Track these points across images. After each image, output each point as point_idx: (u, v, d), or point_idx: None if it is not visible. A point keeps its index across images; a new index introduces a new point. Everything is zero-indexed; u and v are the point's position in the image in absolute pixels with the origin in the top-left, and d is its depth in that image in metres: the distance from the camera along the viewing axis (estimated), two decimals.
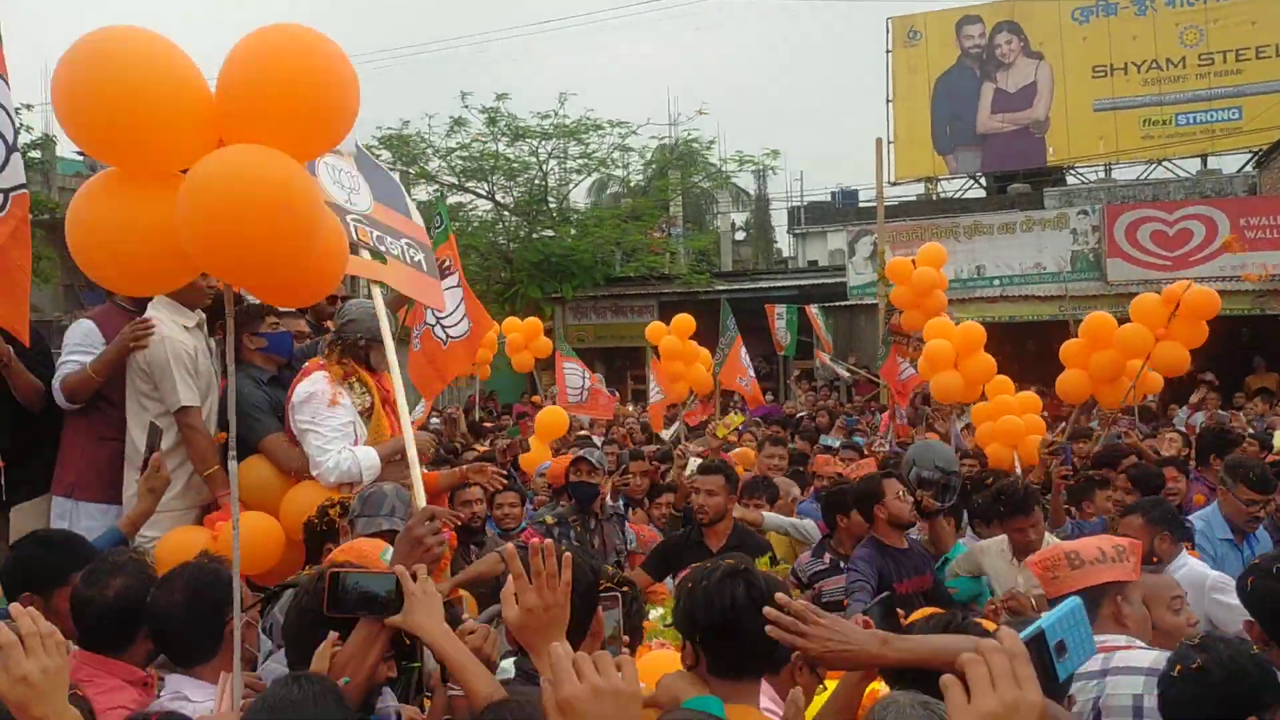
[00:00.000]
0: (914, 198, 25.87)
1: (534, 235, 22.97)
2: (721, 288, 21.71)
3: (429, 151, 22.30)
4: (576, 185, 24.24)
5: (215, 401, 4.40)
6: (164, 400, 4.19)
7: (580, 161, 22.80)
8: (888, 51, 24.91)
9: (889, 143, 25.16)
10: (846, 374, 16.99)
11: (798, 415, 14.39)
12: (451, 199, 23.24)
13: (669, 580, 4.80)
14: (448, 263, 6.57)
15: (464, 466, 4.97)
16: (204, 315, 4.49)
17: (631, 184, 25.84)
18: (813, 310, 17.98)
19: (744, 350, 11.23)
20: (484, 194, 23.10)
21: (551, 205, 23.54)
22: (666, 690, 2.20)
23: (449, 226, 7.72)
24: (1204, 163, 23.37)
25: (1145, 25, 23.31)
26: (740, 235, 30.13)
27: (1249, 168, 22.29)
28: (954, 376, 7.81)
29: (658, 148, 24.59)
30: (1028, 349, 13.84)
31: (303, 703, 1.87)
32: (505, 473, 5.78)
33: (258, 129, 2.34)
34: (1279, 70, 22.35)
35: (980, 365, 7.81)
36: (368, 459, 4.22)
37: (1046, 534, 4.96)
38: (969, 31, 24.37)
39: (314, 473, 4.21)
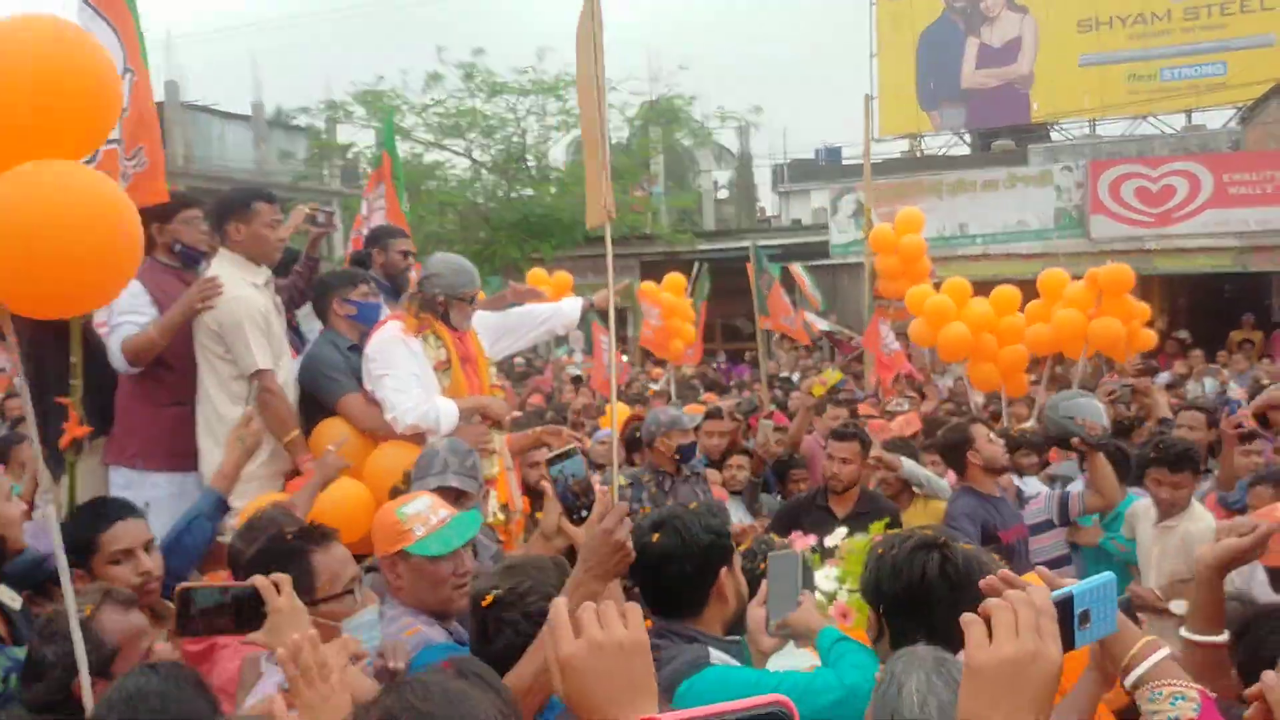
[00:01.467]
0: (898, 154, 25.64)
1: (512, 194, 22.63)
2: (704, 246, 21.49)
3: (404, 108, 21.85)
4: (556, 143, 23.86)
5: (289, 364, 4.28)
6: (238, 363, 4.04)
7: (559, 118, 22.39)
8: (871, 4, 24.53)
9: (873, 98, 24.87)
10: (826, 328, 16.87)
11: (782, 375, 14.38)
12: (428, 157, 22.88)
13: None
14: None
15: (538, 429, 4.87)
16: (271, 273, 4.35)
17: (612, 142, 25.48)
18: (797, 269, 17.80)
19: (783, 291, 11.13)
20: (461, 152, 22.71)
21: (530, 163, 23.18)
22: None
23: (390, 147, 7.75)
24: (1189, 118, 23.22)
25: None
26: (723, 194, 29.85)
27: (1234, 123, 22.15)
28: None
29: (640, 105, 24.23)
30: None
31: (160, 692, 1.82)
32: (579, 436, 5.76)
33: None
34: (1264, 24, 22.16)
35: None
36: (447, 409, 4.07)
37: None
38: None
39: (388, 416, 4.06)
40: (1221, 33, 22.66)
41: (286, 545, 2.47)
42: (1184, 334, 15.90)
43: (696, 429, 5.08)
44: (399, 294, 4.81)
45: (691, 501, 4.77)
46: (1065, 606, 1.35)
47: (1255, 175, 15.89)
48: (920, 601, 2.10)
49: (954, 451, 4.87)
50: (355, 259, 5.35)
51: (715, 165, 28.73)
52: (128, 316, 4.02)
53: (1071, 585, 1.42)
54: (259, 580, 2.08)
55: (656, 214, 23.80)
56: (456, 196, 22.18)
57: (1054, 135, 23.81)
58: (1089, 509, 5.01)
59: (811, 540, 3.84)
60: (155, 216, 4.17)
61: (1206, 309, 16.58)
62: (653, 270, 15.70)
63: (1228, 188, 15.90)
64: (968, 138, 25.16)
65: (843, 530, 3.89)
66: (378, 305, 4.47)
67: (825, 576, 3.49)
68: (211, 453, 3.99)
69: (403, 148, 23.27)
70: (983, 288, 8.50)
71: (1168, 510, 4.43)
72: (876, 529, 3.65)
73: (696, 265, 12.33)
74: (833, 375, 7.28)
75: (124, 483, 4.01)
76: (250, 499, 3.76)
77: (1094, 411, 5.16)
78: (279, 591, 2.07)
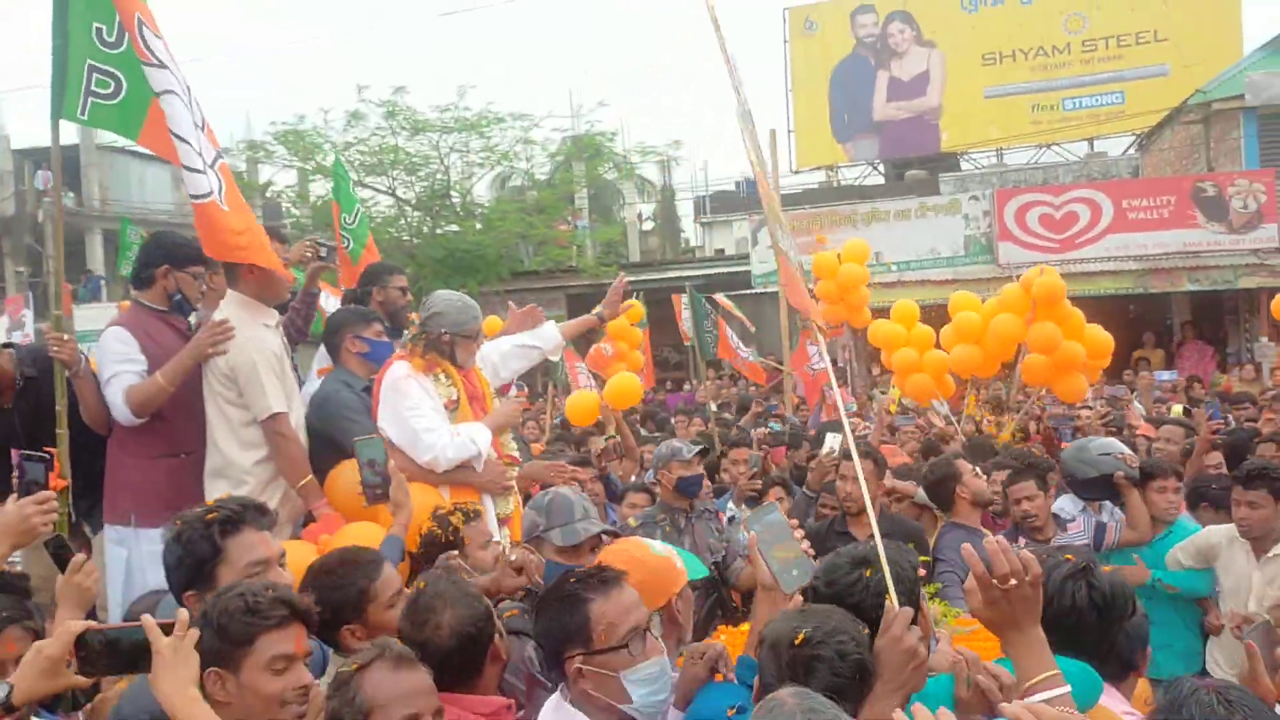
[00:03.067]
0: (816, 185, 26.26)
1: (437, 230, 22.66)
2: (629, 279, 21.71)
3: (326, 146, 21.80)
4: (479, 179, 24.00)
5: (300, 407, 4.11)
6: (251, 407, 3.88)
7: (482, 155, 22.56)
8: (785, 41, 25.18)
9: (789, 131, 25.50)
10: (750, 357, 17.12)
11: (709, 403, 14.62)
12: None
13: None
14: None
15: (544, 464, 4.81)
16: (279, 315, 4.23)
17: (536, 177, 25.69)
18: (723, 298, 18.10)
19: (729, 329, 11.25)
20: (384, 189, 22.69)
21: (454, 200, 23.25)
22: None
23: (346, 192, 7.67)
24: (1091, 146, 24.21)
25: (1031, 13, 24.00)
26: (648, 225, 30.20)
27: (1132, 150, 23.14)
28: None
29: (562, 140, 24.49)
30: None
31: None
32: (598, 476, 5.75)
33: None
34: (1158, 56, 23.26)
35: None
36: (480, 433, 3.97)
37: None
38: (863, 21, 24.78)
39: (425, 458, 3.90)
40: (1119, 64, 23.74)
41: (564, 590, 2.33)
42: None
43: (700, 458, 4.80)
44: (399, 332, 4.68)
45: (710, 543, 4.66)
46: None
47: (1152, 201, 16.64)
48: (1073, 629, 2.20)
49: (941, 487, 4.79)
50: (351, 297, 5.22)
51: (639, 198, 29.10)
52: (124, 366, 3.87)
53: None
54: (146, 620, 1.98)
55: (582, 247, 24.00)
56: (380, 234, 22.12)
57: (964, 164, 24.62)
58: (1124, 543, 4.93)
59: None
60: (169, 258, 4.09)
61: (1113, 329, 17.23)
62: (579, 303, 15.85)
63: (1127, 213, 16.62)
64: (882, 168, 25.86)
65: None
66: (389, 344, 4.34)
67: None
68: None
69: (325, 186, 23.23)
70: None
71: (1259, 534, 4.26)
72: None
73: (634, 296, 12.58)
74: (897, 392, 7.34)
75: (117, 539, 3.87)
76: None
77: (1122, 448, 5.14)
78: (169, 631, 1.97)
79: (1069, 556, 2.34)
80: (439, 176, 22.75)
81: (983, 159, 25.07)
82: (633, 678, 2.21)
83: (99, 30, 3.79)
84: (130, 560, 3.84)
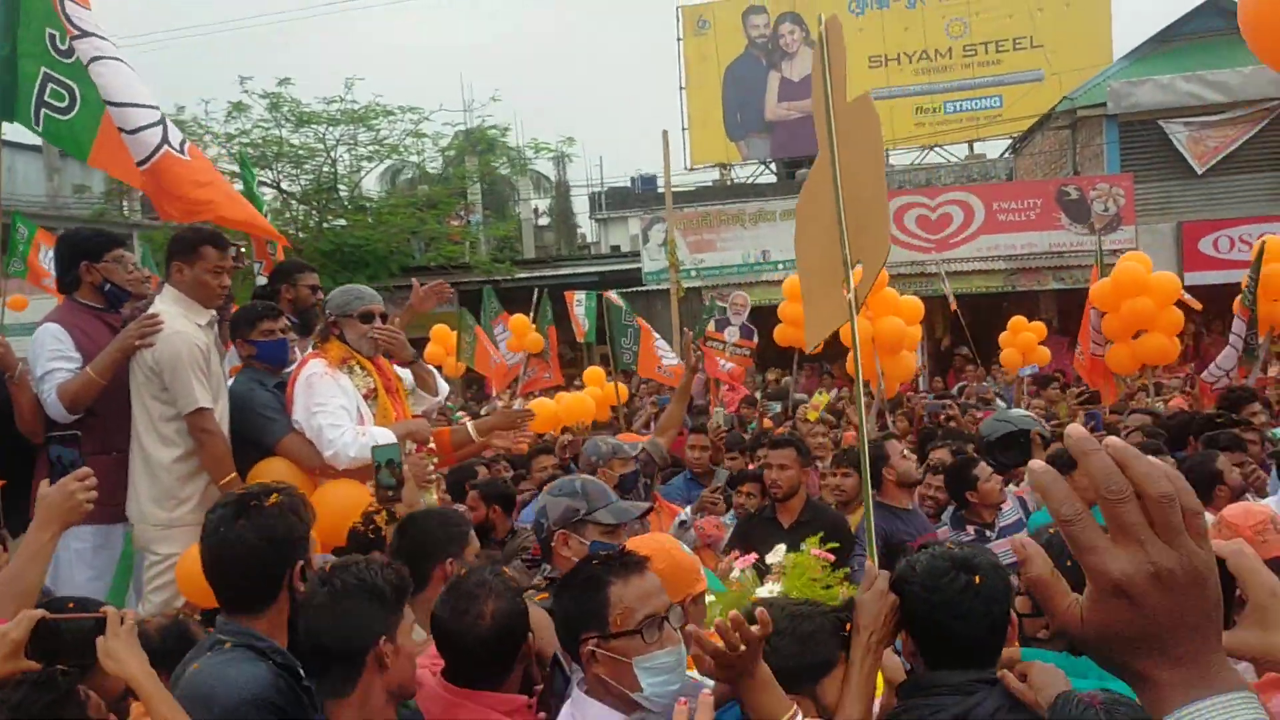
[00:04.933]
0: (710, 183, 26.60)
1: (325, 225, 22.26)
2: (522, 275, 21.71)
3: (207, 138, 21.21)
4: (368, 173, 23.64)
5: (226, 405, 4.05)
6: (175, 402, 3.85)
7: (371, 149, 22.24)
8: (678, 40, 25.44)
9: (683, 129, 25.78)
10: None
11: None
12: (235, 188, 22.21)
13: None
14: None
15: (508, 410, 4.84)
16: (215, 314, 4.16)
17: (428, 171, 25.43)
18: (614, 296, 18.21)
19: (657, 338, 10.90)
20: (269, 182, 22.18)
21: (343, 194, 22.87)
22: None
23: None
24: (971, 148, 25.07)
25: (915, 17, 24.71)
26: (544, 221, 30.17)
27: (1008, 154, 24.03)
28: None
29: (455, 134, 24.29)
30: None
31: None
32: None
33: None
34: (1033, 61, 24.20)
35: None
36: (383, 435, 3.96)
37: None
38: (755, 21, 25.19)
39: (327, 454, 3.91)
40: (997, 69, 24.61)
41: (585, 572, 2.30)
42: (965, 350, 17.15)
43: (636, 457, 4.91)
44: (308, 330, 4.70)
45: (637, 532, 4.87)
46: None
47: (1021, 203, 17.34)
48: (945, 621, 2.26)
49: (870, 467, 5.10)
50: (260, 293, 5.15)
51: (535, 194, 29.06)
52: (57, 364, 3.87)
53: None
54: (110, 610, 2.14)
55: (475, 244, 23.85)
56: None
57: None
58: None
59: (753, 559, 3.86)
60: (84, 254, 4.07)
61: (987, 326, 17.88)
62: (471, 300, 15.78)
63: (997, 215, 17.28)
64: (774, 166, 26.33)
65: (781, 547, 3.89)
66: (282, 342, 4.29)
67: (769, 591, 3.41)
68: (141, 499, 3.86)
69: None
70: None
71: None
72: (812, 543, 3.66)
73: (537, 292, 12.79)
74: (822, 398, 7.54)
75: None
76: (183, 545, 3.65)
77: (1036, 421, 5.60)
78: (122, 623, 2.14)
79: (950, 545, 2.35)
80: (326, 170, 22.34)
81: None
82: (645, 665, 2.15)
83: (52, 37, 3.74)
84: (59, 558, 3.75)
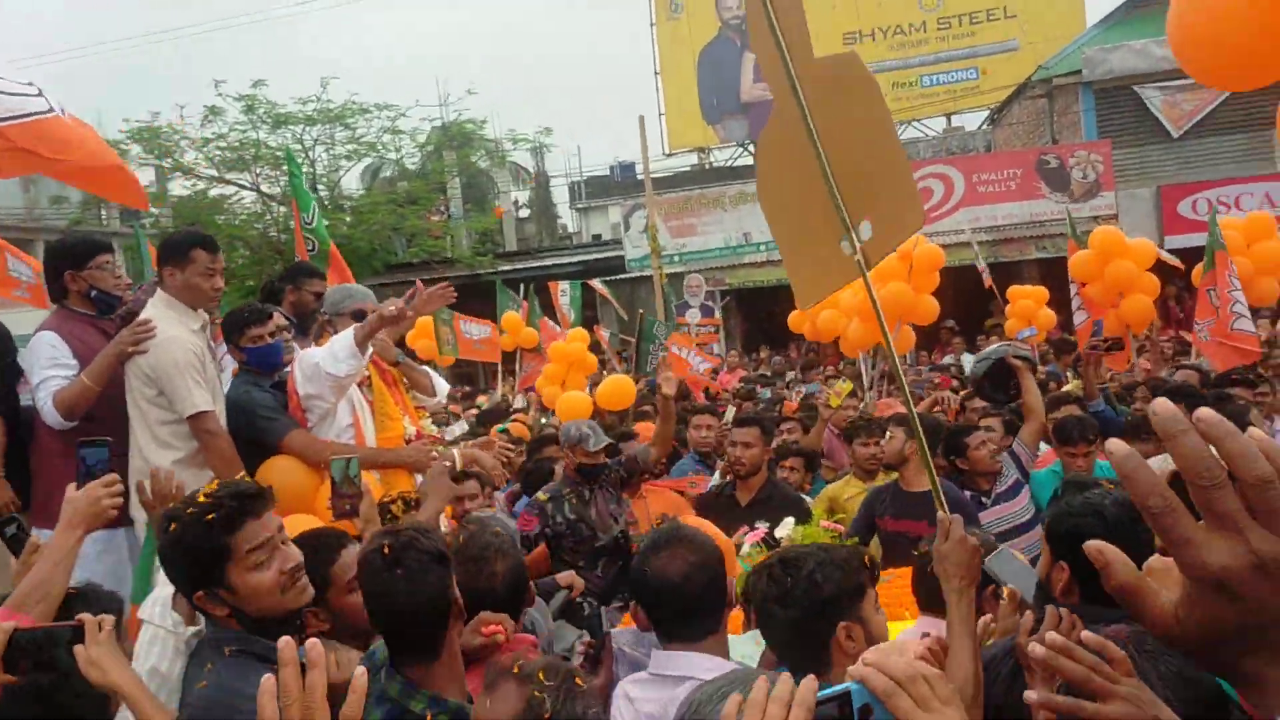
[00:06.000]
0: (689, 168, 26.56)
1: (306, 225, 22.14)
2: (504, 267, 21.68)
3: (184, 144, 21.10)
4: (347, 171, 23.54)
5: (223, 408, 4.06)
6: (175, 406, 3.84)
7: (349, 147, 22.14)
8: (652, 25, 25.35)
9: (660, 115, 25.74)
10: (618, 348, 17.32)
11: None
12: (213, 192, 22.13)
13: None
14: None
15: (483, 439, 4.85)
16: (207, 317, 4.17)
17: (407, 167, 25.33)
18: (598, 284, 18.24)
19: (681, 348, 10.32)
20: (248, 185, 22.07)
21: (322, 193, 22.76)
22: None
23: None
24: (949, 121, 25.09)
25: None
26: (524, 213, 30.09)
27: (987, 125, 24.06)
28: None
29: (432, 129, 24.19)
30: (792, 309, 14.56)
31: None
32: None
33: None
34: (1007, 31, 24.21)
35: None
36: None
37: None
38: (728, 4, 25.12)
39: (328, 370, 4.01)
40: (971, 40, 24.62)
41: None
42: (950, 322, 17.22)
43: (607, 450, 4.98)
44: (306, 333, 4.75)
45: (613, 511, 4.93)
46: (841, 702, 1.18)
47: (1000, 174, 17.38)
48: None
49: (931, 439, 5.28)
50: (266, 292, 5.17)
51: (514, 185, 28.96)
52: (53, 371, 3.90)
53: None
54: (85, 618, 2.13)
55: (457, 238, 23.79)
56: (246, 230, 21.55)
57: None
58: (1027, 439, 5.26)
59: (762, 533, 3.92)
60: (69, 263, 4.08)
61: (971, 297, 17.92)
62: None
63: (977, 187, 17.32)
64: (752, 148, 26.29)
65: (790, 520, 3.98)
66: (273, 347, 4.24)
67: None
68: (137, 504, 3.77)
69: (185, 184, 22.49)
70: (770, 293, 9.53)
71: None
72: (819, 514, 3.89)
73: (524, 287, 13.16)
74: (845, 385, 7.62)
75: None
76: None
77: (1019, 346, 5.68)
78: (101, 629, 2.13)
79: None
80: (305, 170, 22.23)
81: None
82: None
83: None
84: None
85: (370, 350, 4.17)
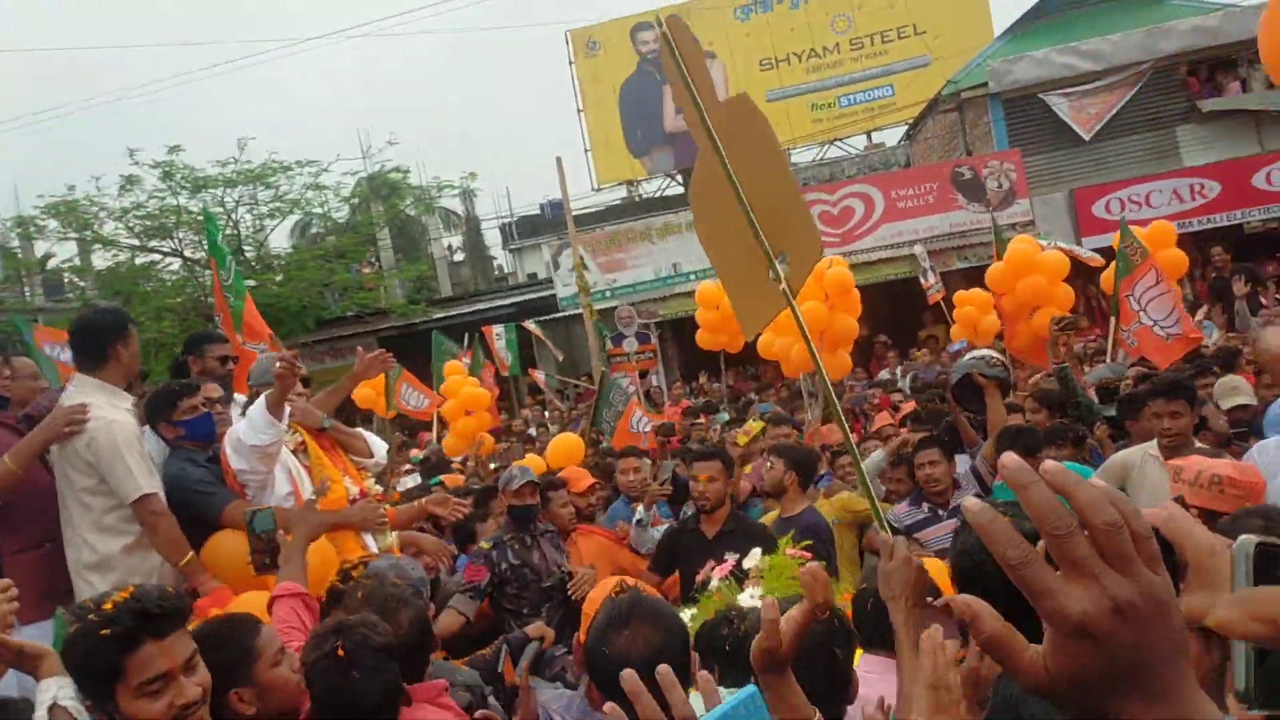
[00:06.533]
0: (619, 201, 26.69)
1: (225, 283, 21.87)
2: (438, 315, 21.56)
3: (102, 215, 20.78)
4: (273, 230, 23.32)
5: (161, 488, 3.93)
6: (117, 491, 3.72)
7: (272, 206, 21.93)
8: (570, 63, 25.52)
9: (586, 151, 25.86)
10: (558, 388, 17.28)
11: (527, 430, 14.77)
12: (139, 260, 21.80)
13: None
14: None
15: (423, 501, 4.80)
16: (137, 398, 4.09)
17: (339, 221, 25.17)
18: (531, 325, 18.20)
19: (636, 415, 9.95)
20: (171, 251, 21.77)
21: (249, 253, 22.52)
22: None
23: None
24: (869, 139, 25.49)
25: (800, 18, 25.11)
26: (460, 257, 30.00)
27: (905, 140, 24.48)
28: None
29: (357, 181, 24.08)
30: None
31: None
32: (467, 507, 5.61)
33: None
34: (919, 48, 24.73)
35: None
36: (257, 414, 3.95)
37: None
38: (644, 37, 25.37)
39: (250, 441, 3.91)
40: (885, 59, 25.10)
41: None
42: (883, 337, 17.42)
43: (529, 490, 5.08)
44: (230, 396, 4.71)
45: (555, 558, 4.97)
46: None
47: (918, 189, 17.66)
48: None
49: (806, 469, 5.27)
50: (175, 369, 5.14)
51: (446, 231, 28.88)
52: None
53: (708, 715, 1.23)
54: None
55: (389, 288, 23.64)
56: (173, 297, 21.24)
57: None
58: (988, 455, 5.33)
59: (730, 566, 3.86)
60: None
61: (903, 310, 18.14)
62: (390, 345, 15.66)
63: (897, 203, 17.58)
64: (680, 178, 26.51)
65: (757, 551, 3.92)
66: (207, 416, 4.17)
67: (750, 597, 3.43)
68: (89, 594, 3.65)
69: (106, 256, 22.13)
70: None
71: (1181, 442, 4.53)
72: (785, 543, 3.78)
73: (467, 337, 13.21)
74: (755, 426, 7.60)
75: None
76: None
77: (992, 355, 5.88)
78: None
79: None
80: (229, 232, 21.98)
81: None
82: None
83: None
84: None
85: (286, 415, 4.09)
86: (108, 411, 3.81)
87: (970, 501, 0.81)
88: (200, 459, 4.12)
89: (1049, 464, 0.80)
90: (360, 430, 4.97)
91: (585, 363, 19.25)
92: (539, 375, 16.71)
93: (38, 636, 3.57)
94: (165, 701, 2.18)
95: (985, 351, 6.06)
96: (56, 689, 2.31)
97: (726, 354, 12.56)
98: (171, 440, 4.15)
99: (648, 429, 9.70)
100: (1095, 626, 0.77)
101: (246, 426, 3.96)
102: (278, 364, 3.97)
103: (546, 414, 16.66)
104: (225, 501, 3.97)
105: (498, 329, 18.99)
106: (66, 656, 2.29)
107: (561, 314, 20.03)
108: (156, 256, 22.06)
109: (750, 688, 1.23)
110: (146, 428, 4.26)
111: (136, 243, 21.50)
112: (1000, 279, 9.27)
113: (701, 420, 11.07)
